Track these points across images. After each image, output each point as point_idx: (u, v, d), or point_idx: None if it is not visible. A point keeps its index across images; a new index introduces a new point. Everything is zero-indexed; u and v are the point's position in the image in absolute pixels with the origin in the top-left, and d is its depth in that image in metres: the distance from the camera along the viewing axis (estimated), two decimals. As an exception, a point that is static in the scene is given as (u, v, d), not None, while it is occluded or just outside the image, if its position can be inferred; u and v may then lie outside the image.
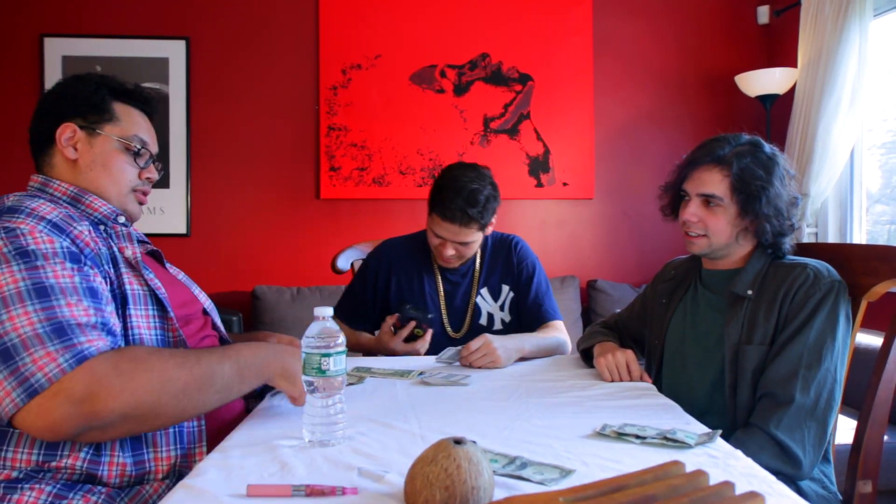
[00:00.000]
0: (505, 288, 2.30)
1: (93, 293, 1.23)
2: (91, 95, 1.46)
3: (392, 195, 4.02)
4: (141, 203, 1.55)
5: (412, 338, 2.14)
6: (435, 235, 2.17)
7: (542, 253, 4.11)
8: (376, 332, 2.26)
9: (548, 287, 2.34)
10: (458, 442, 0.91)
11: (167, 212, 3.88)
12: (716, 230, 1.66)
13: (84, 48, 3.86)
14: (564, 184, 4.12)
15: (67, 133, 1.44)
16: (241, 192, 3.98)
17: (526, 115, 4.09)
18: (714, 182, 1.64)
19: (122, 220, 1.47)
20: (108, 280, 1.31)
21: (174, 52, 3.93)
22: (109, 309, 1.26)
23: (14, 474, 1.20)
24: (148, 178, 1.54)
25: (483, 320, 2.29)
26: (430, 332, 2.14)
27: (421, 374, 1.79)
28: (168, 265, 1.63)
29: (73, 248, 1.26)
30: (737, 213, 1.63)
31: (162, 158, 3.88)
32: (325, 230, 4.01)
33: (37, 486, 1.19)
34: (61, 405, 1.09)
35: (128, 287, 1.34)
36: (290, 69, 4.00)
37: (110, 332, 1.22)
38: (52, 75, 3.83)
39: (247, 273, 3.96)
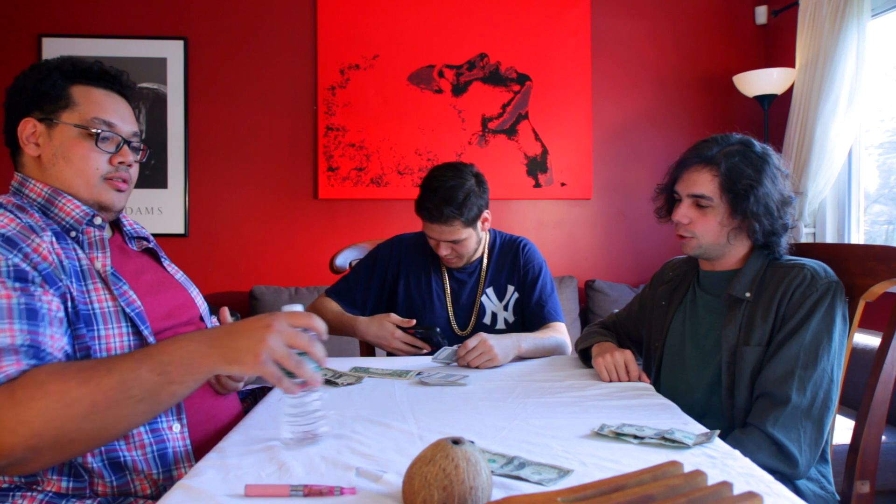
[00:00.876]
0: (510, 288, 2.32)
1: (30, 314, 1.12)
2: (41, 83, 1.34)
3: (390, 195, 4.01)
4: (119, 190, 1.40)
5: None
6: (428, 237, 2.20)
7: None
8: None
9: (552, 290, 2.35)
10: (456, 442, 0.91)
11: (165, 212, 3.87)
12: (706, 231, 1.66)
13: (82, 48, 3.85)
14: (562, 184, 4.12)
15: (28, 129, 1.34)
16: (239, 192, 3.97)
17: (524, 115, 4.09)
18: (703, 182, 1.65)
19: (97, 221, 1.35)
20: (68, 297, 1.21)
21: (172, 52, 3.92)
22: (50, 331, 1.14)
23: (5, 485, 1.20)
24: (121, 163, 1.38)
25: (487, 319, 2.30)
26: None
27: (419, 374, 1.79)
28: (167, 264, 1.56)
29: (23, 266, 1.16)
30: (727, 212, 1.64)
31: (160, 158, 3.88)
32: (323, 230, 4.01)
33: (28, 493, 1.18)
34: None
35: (97, 304, 1.24)
36: (288, 69, 4.00)
37: (36, 355, 1.10)
38: (50, 75, 3.83)
39: (245, 273, 3.95)
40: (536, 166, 4.10)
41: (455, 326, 2.30)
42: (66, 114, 1.34)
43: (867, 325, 2.41)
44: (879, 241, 3.49)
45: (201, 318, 1.54)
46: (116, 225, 1.50)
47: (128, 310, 1.27)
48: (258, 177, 3.98)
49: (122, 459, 1.23)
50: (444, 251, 2.17)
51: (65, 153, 1.34)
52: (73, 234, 1.31)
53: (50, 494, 1.19)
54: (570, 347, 2.21)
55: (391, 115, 4.02)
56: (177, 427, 1.30)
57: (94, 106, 1.36)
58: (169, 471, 1.27)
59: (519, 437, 1.25)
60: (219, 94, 3.97)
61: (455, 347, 1.95)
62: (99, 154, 1.36)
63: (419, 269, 2.34)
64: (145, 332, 1.28)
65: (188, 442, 1.30)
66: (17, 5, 3.86)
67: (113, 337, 1.25)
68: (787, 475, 1.46)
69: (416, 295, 2.31)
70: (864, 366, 1.58)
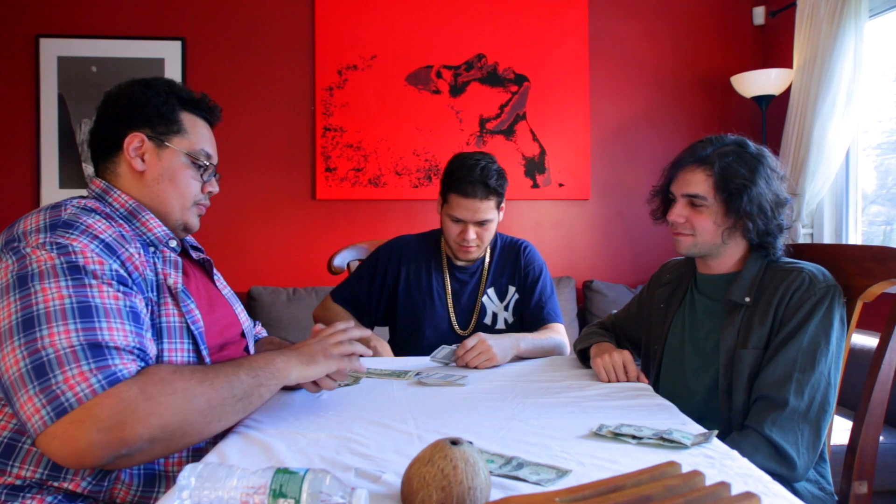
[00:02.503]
0: (511, 289, 2.33)
1: (135, 317, 1.22)
2: (161, 105, 1.42)
3: (388, 196, 4.01)
4: (200, 214, 1.52)
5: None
6: (454, 221, 2.19)
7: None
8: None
9: (552, 292, 2.36)
10: (454, 442, 0.91)
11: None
12: (702, 230, 1.67)
13: (80, 49, 3.85)
14: (560, 184, 4.12)
15: (135, 143, 1.39)
16: (236, 192, 3.97)
17: (522, 115, 4.10)
18: (697, 182, 1.66)
19: (173, 243, 1.43)
20: (149, 307, 1.29)
21: (170, 52, 3.92)
22: (149, 335, 1.25)
23: (17, 482, 1.21)
24: (209, 192, 1.51)
25: (488, 319, 2.31)
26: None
27: (417, 374, 1.79)
28: (217, 277, 1.62)
29: (122, 272, 1.24)
30: (722, 212, 1.64)
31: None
32: (321, 231, 4.01)
33: (38, 495, 1.20)
34: (88, 432, 1.06)
35: (164, 318, 1.32)
36: (285, 70, 4.00)
37: (144, 358, 1.19)
38: (48, 76, 3.83)
39: (243, 274, 3.95)
40: (534, 167, 4.10)
41: (456, 326, 2.31)
42: (178, 139, 1.44)
43: (865, 325, 2.41)
44: (877, 242, 3.50)
45: (242, 335, 1.61)
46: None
47: (193, 327, 1.35)
48: (256, 177, 3.98)
49: (156, 471, 1.29)
50: (471, 234, 2.17)
51: (171, 175, 1.43)
52: (151, 249, 1.39)
53: (59, 497, 1.20)
54: (568, 348, 2.21)
55: (389, 115, 4.02)
56: None
57: (201, 138, 1.48)
58: None
59: (517, 437, 1.25)
60: (217, 94, 3.92)
61: (453, 347, 1.95)
62: (198, 182, 1.48)
63: (420, 269, 2.34)
64: (203, 352, 1.36)
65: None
66: (15, 6, 3.85)
67: (175, 351, 1.32)
68: (785, 477, 1.46)
69: (416, 296, 2.31)
70: (862, 366, 1.59)
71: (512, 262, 2.35)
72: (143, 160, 1.40)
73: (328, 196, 3.99)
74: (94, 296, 1.17)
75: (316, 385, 1.46)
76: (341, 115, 3.99)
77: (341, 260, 2.67)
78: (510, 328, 2.31)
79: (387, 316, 2.40)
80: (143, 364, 1.17)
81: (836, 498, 1.54)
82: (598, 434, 1.25)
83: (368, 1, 4.02)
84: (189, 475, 0.88)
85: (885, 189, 3.49)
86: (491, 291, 2.32)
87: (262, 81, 3.98)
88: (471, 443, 0.94)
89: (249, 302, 3.77)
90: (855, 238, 3.52)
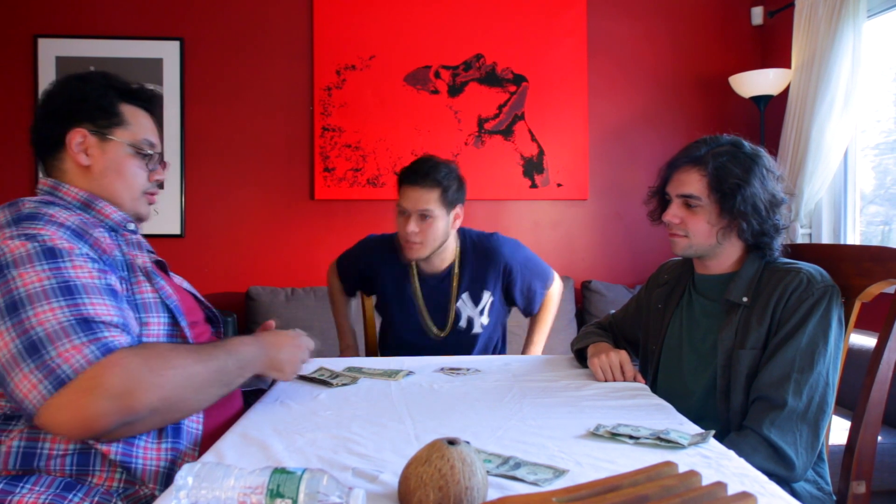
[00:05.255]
0: (486, 294, 2.35)
1: (113, 294, 1.25)
2: (100, 98, 1.43)
3: (386, 196, 4.01)
4: (150, 204, 1.55)
5: None
6: (400, 214, 2.22)
7: (536, 254, 4.13)
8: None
9: (533, 266, 2.45)
10: (451, 442, 0.91)
11: (161, 213, 3.86)
12: (696, 230, 1.67)
13: (78, 49, 3.84)
14: (559, 185, 4.12)
15: (78, 139, 1.41)
16: (235, 192, 3.97)
17: (520, 115, 4.10)
18: (692, 182, 1.66)
19: (131, 226, 1.47)
20: (123, 285, 1.32)
21: (168, 52, 3.92)
22: (130, 313, 1.28)
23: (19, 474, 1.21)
24: (157, 180, 1.54)
25: (463, 323, 2.34)
26: None
27: (409, 374, 1.80)
28: (171, 274, 1.63)
29: (93, 254, 1.27)
30: (716, 212, 1.64)
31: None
32: (319, 231, 4.01)
33: (35, 488, 1.19)
34: (97, 400, 1.09)
35: (139, 295, 1.34)
36: (284, 70, 4.00)
37: (129, 334, 1.22)
38: (46, 76, 3.82)
39: (241, 274, 3.95)
40: (533, 167, 4.10)
41: (433, 329, 2.35)
42: (120, 131, 1.45)
43: (863, 325, 2.40)
44: (875, 242, 3.50)
45: (207, 320, 1.64)
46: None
47: (168, 301, 1.39)
48: (254, 177, 3.98)
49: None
50: (412, 226, 2.17)
51: (117, 167, 1.45)
52: (112, 234, 1.41)
53: (55, 486, 1.20)
54: (559, 296, 2.52)
55: (387, 115, 4.02)
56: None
57: (142, 128, 1.49)
58: (181, 450, 1.34)
59: (514, 437, 1.25)
60: (215, 94, 3.96)
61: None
62: (144, 171, 1.49)
63: (391, 275, 2.39)
64: (182, 323, 1.40)
65: (200, 425, 1.38)
66: (13, 6, 3.85)
67: (153, 325, 1.35)
68: (783, 478, 1.46)
69: (391, 301, 2.39)
70: (861, 366, 1.58)
71: (485, 266, 2.35)
72: (87, 154, 1.42)
73: (327, 196, 3.99)
74: (73, 276, 1.20)
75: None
76: (340, 115, 3.99)
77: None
78: (486, 330, 2.37)
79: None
80: (129, 337, 1.21)
81: (835, 498, 1.54)
82: (595, 434, 1.26)
83: (367, 1, 4.01)
84: (186, 475, 0.88)
85: (884, 189, 3.49)
86: (465, 297, 2.33)
87: (261, 81, 3.98)
88: (468, 442, 0.94)
89: (248, 302, 3.76)
90: (853, 238, 3.53)
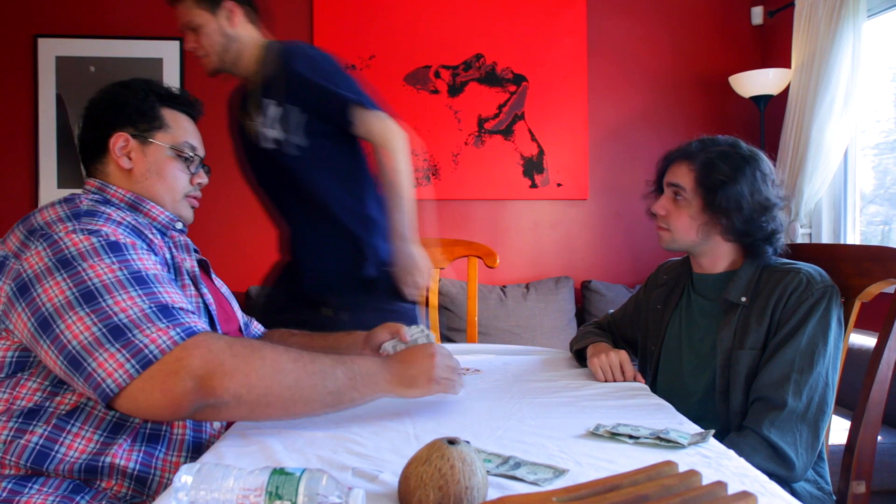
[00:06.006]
0: (270, 104, 2.07)
1: (178, 288, 1.30)
2: (140, 103, 1.46)
3: (386, 196, 4.00)
4: (193, 207, 1.57)
5: None
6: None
7: (536, 254, 4.14)
8: None
9: (337, 85, 2.05)
10: (451, 442, 0.91)
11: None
12: (678, 225, 1.69)
13: (78, 49, 3.85)
14: (558, 184, 4.12)
15: (120, 143, 1.43)
16: (234, 192, 3.95)
17: (520, 115, 4.10)
18: (681, 175, 1.68)
19: (179, 226, 1.51)
20: None
21: (168, 52, 3.92)
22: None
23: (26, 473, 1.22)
24: (199, 184, 1.55)
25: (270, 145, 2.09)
26: None
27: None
28: (213, 276, 1.66)
29: (151, 251, 1.31)
30: (699, 206, 1.66)
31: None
32: (319, 231, 4.00)
33: (44, 489, 1.20)
34: (183, 380, 1.11)
35: (187, 298, 1.36)
36: (284, 70, 3.99)
37: (202, 319, 1.27)
38: (46, 76, 3.83)
39: (241, 274, 3.94)
40: (532, 167, 4.10)
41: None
42: (161, 134, 1.47)
43: (863, 325, 2.41)
44: (875, 242, 3.50)
45: (240, 330, 1.67)
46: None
47: (210, 308, 1.43)
48: (254, 177, 3.97)
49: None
50: (189, 43, 2.10)
51: (158, 170, 1.47)
52: (161, 235, 1.44)
53: (63, 488, 1.20)
54: (390, 135, 2.12)
55: (387, 115, 4.02)
56: None
57: (184, 131, 1.51)
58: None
59: (514, 436, 1.25)
60: (215, 94, 3.91)
61: (424, 330, 1.70)
62: (185, 174, 1.51)
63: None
64: (219, 330, 1.43)
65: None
66: (13, 5, 3.85)
67: None
68: (783, 478, 1.46)
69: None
70: (860, 366, 1.59)
71: (273, 73, 2.08)
72: (129, 158, 1.44)
73: (326, 196, 3.98)
74: (141, 267, 1.23)
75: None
76: (340, 114, 3.98)
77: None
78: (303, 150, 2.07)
79: None
80: (205, 321, 1.26)
81: (835, 498, 1.54)
82: (594, 434, 1.25)
83: (367, 1, 4.01)
84: (185, 475, 0.87)
85: (884, 189, 3.49)
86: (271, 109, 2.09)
87: (261, 81, 3.97)
88: (468, 442, 0.94)
89: (247, 302, 3.76)
90: (853, 238, 3.53)
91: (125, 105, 1.45)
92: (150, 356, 1.11)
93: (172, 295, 1.22)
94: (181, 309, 1.20)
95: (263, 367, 1.18)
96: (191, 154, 1.51)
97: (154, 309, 1.16)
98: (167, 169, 1.47)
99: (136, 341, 1.12)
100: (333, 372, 1.24)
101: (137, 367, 1.10)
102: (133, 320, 1.14)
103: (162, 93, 1.50)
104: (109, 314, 1.14)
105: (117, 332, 1.12)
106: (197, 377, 1.12)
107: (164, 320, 1.15)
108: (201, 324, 1.20)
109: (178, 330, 1.15)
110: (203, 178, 1.56)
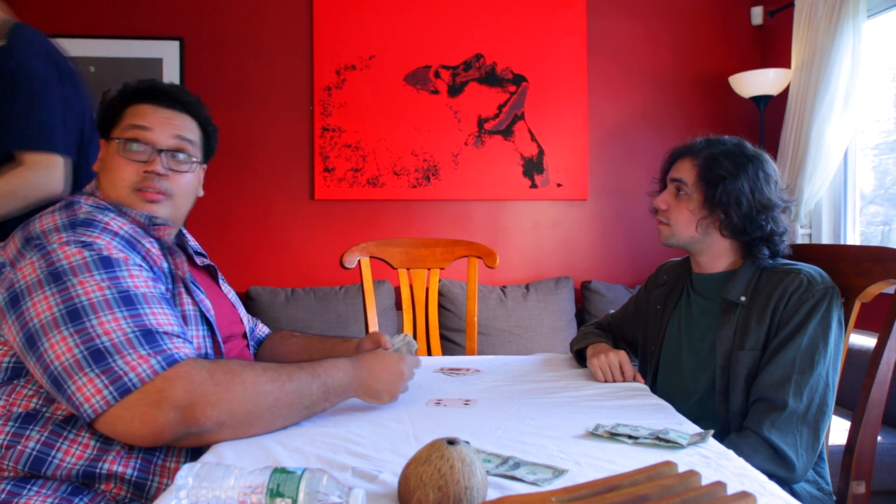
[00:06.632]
0: None
1: (169, 304, 1.27)
2: (108, 107, 1.44)
3: (386, 196, 4.01)
4: (152, 201, 1.39)
5: None
6: None
7: (536, 254, 4.14)
8: None
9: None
10: (451, 442, 0.91)
11: (161, 212, 3.86)
12: (677, 219, 1.69)
13: (77, 49, 3.84)
14: (558, 185, 4.12)
15: (101, 151, 1.44)
16: (234, 192, 3.97)
17: (520, 115, 4.10)
18: (685, 170, 1.69)
19: (158, 220, 1.39)
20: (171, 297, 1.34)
21: (168, 52, 3.92)
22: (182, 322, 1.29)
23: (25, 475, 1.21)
24: (149, 172, 1.36)
25: None
26: None
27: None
28: (222, 282, 1.65)
29: (144, 265, 1.28)
30: (699, 201, 1.66)
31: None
32: (319, 231, 4.01)
33: (42, 490, 1.20)
34: (166, 412, 1.11)
35: (179, 308, 1.35)
36: (284, 70, 4.00)
37: (189, 342, 1.25)
38: (46, 75, 3.82)
39: (241, 274, 3.95)
40: (532, 167, 4.10)
41: None
42: (117, 130, 1.41)
43: (863, 325, 2.41)
44: (875, 242, 3.50)
45: (244, 335, 1.65)
46: (180, 240, 1.60)
47: (207, 315, 1.39)
48: (254, 177, 3.98)
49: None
50: None
51: (108, 166, 1.40)
52: (154, 241, 1.38)
53: (61, 490, 1.20)
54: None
55: (387, 115, 4.02)
56: None
57: (134, 117, 1.40)
58: None
59: (514, 437, 1.25)
60: (215, 94, 3.96)
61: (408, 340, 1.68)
62: (127, 163, 1.38)
63: None
64: (219, 337, 1.41)
65: None
66: (13, 6, 3.85)
67: (195, 338, 1.35)
68: (783, 479, 1.46)
69: None
70: (860, 366, 1.59)
71: None
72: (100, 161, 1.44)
73: (326, 196, 3.99)
74: (131, 286, 1.21)
75: None
76: (339, 115, 3.99)
77: (351, 258, 2.67)
78: None
79: None
80: (190, 346, 1.23)
81: (835, 498, 1.54)
82: (594, 434, 1.25)
83: (367, 1, 4.01)
84: (186, 475, 0.88)
85: (883, 189, 3.49)
86: None
87: (261, 81, 3.98)
88: (467, 442, 0.94)
89: (248, 302, 3.76)
90: (853, 238, 3.53)
91: (101, 113, 1.45)
92: (129, 384, 1.11)
93: (159, 317, 1.20)
94: (166, 333, 1.19)
95: (244, 392, 1.19)
96: (132, 138, 1.37)
97: (137, 333, 1.15)
98: (112, 162, 1.38)
99: (116, 367, 1.11)
100: (309, 388, 1.28)
101: (115, 394, 1.10)
102: (115, 344, 1.13)
103: (128, 91, 1.44)
104: (92, 336, 1.13)
105: (98, 357, 1.12)
106: (179, 408, 1.12)
107: (147, 346, 1.15)
108: (185, 349, 1.20)
109: (160, 358, 1.14)
110: (154, 166, 1.37)
